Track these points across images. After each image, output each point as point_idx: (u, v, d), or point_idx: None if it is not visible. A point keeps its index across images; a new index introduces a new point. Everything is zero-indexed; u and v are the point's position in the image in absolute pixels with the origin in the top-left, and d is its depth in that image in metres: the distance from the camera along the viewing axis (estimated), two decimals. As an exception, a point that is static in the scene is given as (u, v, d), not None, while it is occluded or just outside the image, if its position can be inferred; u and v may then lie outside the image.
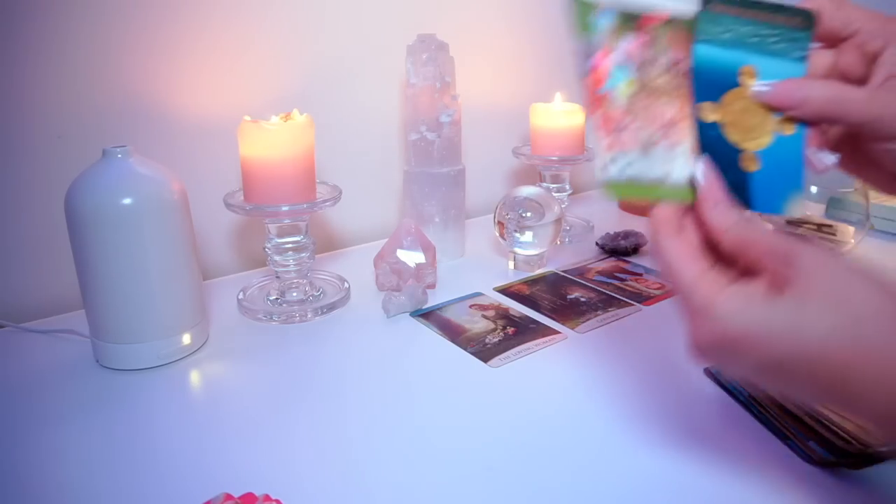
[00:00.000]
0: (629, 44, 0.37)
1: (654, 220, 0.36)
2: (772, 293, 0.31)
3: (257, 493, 0.39)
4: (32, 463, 0.45)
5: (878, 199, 0.91)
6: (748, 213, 0.36)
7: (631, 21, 0.37)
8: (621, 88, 0.37)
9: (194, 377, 0.56)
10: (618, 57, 0.37)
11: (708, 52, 0.37)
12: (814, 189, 0.82)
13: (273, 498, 0.39)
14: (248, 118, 0.63)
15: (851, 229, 0.81)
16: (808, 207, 0.84)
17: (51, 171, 0.68)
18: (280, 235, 0.66)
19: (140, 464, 0.44)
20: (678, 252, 0.34)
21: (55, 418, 0.49)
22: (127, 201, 0.52)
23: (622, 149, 0.37)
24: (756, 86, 0.36)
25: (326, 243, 0.90)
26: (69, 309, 0.68)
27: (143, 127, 0.72)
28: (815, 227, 0.82)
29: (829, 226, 0.82)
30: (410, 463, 0.44)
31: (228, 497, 0.38)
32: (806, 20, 0.36)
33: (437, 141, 0.78)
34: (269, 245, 0.67)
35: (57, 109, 0.67)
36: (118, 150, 0.54)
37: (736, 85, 0.36)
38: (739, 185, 0.37)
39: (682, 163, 0.38)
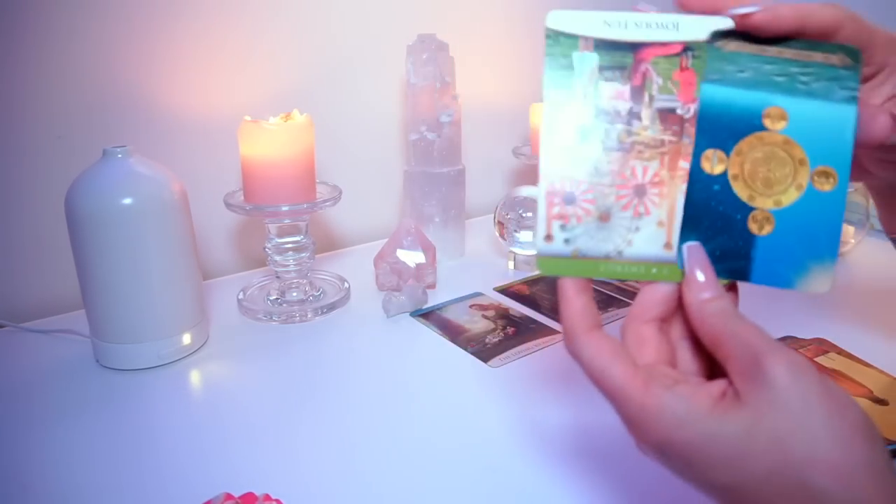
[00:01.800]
0: (614, 89, 0.31)
1: (566, 314, 0.30)
2: (723, 406, 0.27)
3: (257, 492, 0.39)
4: (32, 463, 0.45)
5: (878, 199, 0.91)
6: (731, 302, 0.30)
7: (622, 58, 0.31)
8: (587, 151, 0.31)
9: (194, 377, 0.56)
10: (590, 110, 0.31)
11: (720, 93, 0.31)
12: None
13: (273, 498, 0.39)
14: (248, 118, 0.63)
15: (851, 229, 0.81)
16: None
17: (51, 171, 0.68)
18: (280, 235, 0.67)
19: (140, 464, 0.44)
20: (597, 351, 0.29)
21: (55, 418, 0.49)
22: (127, 201, 0.52)
23: (571, 220, 0.31)
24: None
25: (326, 243, 0.90)
26: (69, 309, 0.68)
27: (143, 127, 0.72)
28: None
29: (829, 226, 0.82)
30: (410, 462, 0.44)
31: (229, 497, 0.39)
32: (850, 56, 0.31)
33: (437, 141, 0.78)
34: (269, 245, 0.67)
35: (57, 109, 0.67)
36: (118, 150, 0.54)
37: (757, 129, 0.31)
38: (737, 252, 0.32)
39: (647, 235, 0.32)
